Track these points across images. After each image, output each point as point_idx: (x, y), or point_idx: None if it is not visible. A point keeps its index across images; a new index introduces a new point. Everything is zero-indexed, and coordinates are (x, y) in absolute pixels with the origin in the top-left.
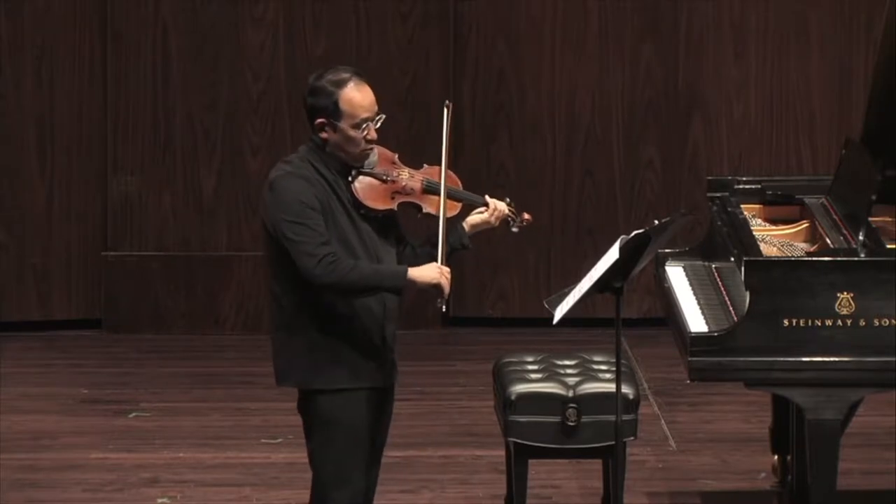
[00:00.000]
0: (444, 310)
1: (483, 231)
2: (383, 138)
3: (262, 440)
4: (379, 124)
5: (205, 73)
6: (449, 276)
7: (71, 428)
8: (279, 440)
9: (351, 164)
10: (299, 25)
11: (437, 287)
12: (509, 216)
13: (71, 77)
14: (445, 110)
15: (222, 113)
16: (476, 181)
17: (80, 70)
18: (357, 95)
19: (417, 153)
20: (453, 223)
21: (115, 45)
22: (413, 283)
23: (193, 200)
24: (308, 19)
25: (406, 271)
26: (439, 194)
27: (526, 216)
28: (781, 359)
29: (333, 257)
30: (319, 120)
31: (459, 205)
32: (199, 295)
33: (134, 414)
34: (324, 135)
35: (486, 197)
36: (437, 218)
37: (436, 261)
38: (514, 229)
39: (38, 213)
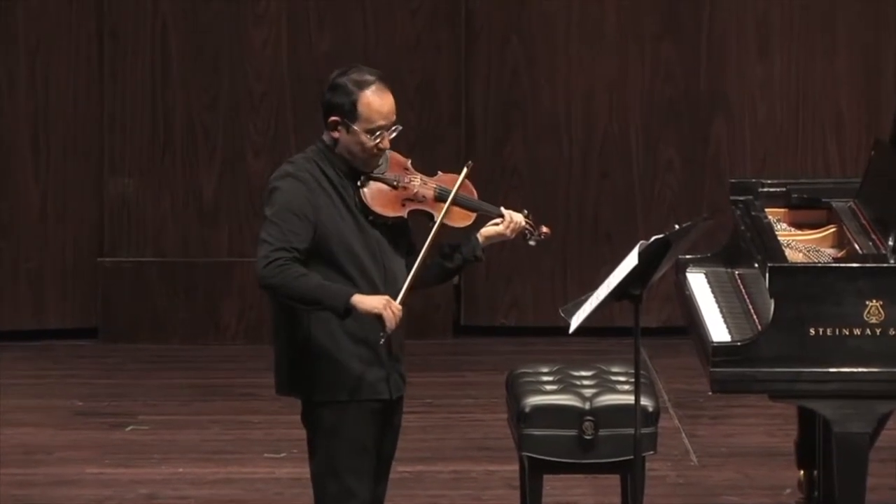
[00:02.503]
0: (381, 342)
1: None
2: (392, 140)
3: (266, 454)
4: (394, 135)
5: (205, 71)
6: (398, 311)
7: (66, 442)
8: (283, 454)
9: (358, 169)
10: (303, 22)
11: (378, 318)
12: (526, 229)
13: (66, 76)
14: (465, 168)
15: (223, 113)
16: (488, 184)
17: (75, 68)
18: (377, 100)
19: (426, 156)
20: (467, 234)
21: (113, 42)
22: (354, 309)
23: (193, 204)
24: (312, 15)
25: (351, 294)
26: (453, 203)
27: (544, 229)
28: (807, 369)
29: (285, 262)
30: (333, 118)
31: (473, 215)
32: (200, 302)
33: (131, 427)
34: (335, 134)
35: (502, 208)
36: (453, 227)
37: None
38: (532, 243)
39: (31, 217)
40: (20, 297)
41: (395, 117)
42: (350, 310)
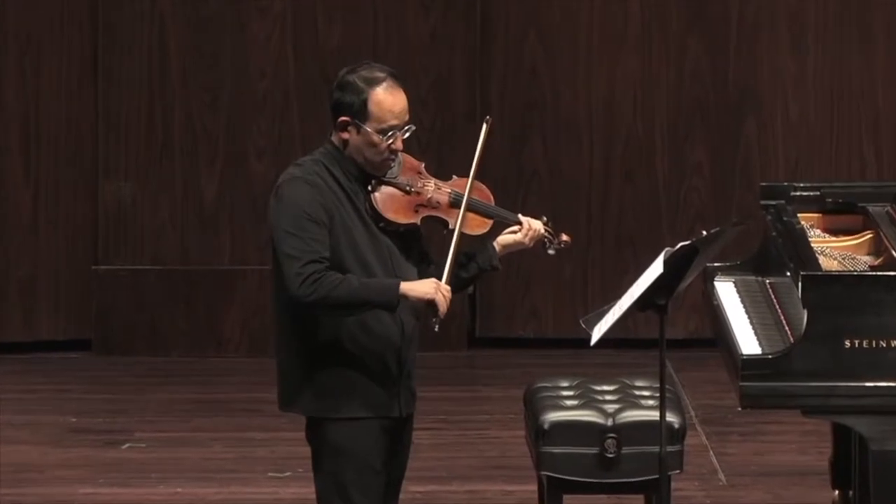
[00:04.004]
0: (436, 329)
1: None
2: (404, 140)
3: (270, 473)
4: (407, 135)
5: (205, 68)
6: (448, 294)
7: (58, 460)
8: (288, 473)
9: (369, 173)
10: (310, 16)
11: (430, 304)
12: (546, 237)
13: (58, 72)
14: (485, 125)
15: (225, 113)
16: (506, 188)
17: (68, 66)
18: (389, 98)
19: (439, 158)
20: (483, 242)
21: (108, 38)
22: (405, 299)
23: (193, 208)
24: (320, 10)
25: (398, 285)
26: (469, 209)
27: (564, 238)
28: (843, 384)
29: (319, 274)
30: (343, 118)
31: (490, 222)
32: (200, 313)
33: (128, 445)
34: (345, 135)
35: (520, 215)
36: (466, 235)
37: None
38: (551, 251)
39: (22, 223)
40: (10, 307)
41: (408, 116)
42: (399, 301)
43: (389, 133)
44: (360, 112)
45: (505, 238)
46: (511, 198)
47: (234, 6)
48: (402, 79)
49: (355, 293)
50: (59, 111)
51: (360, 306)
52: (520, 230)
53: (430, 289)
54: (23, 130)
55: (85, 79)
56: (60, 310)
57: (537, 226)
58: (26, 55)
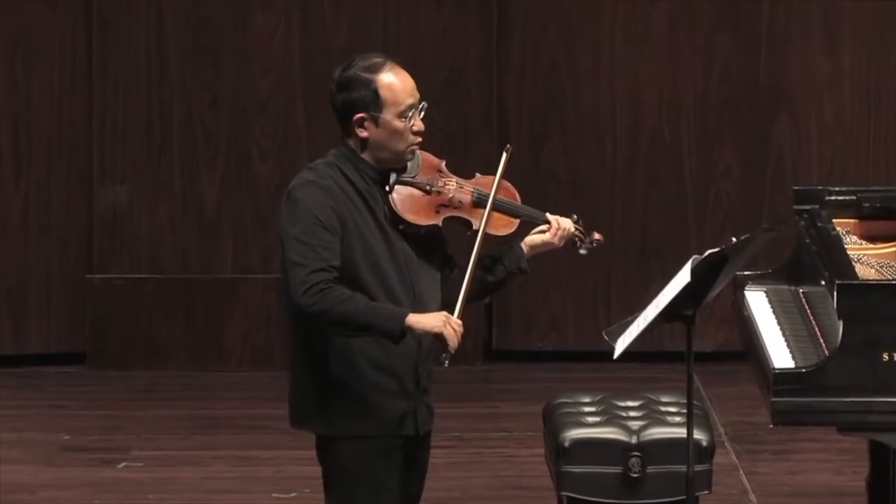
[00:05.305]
0: (445, 365)
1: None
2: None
3: (274, 494)
4: (423, 113)
5: (206, 66)
6: (459, 328)
7: (51, 480)
8: (293, 494)
9: (393, 167)
10: (317, 10)
11: (438, 338)
12: (576, 236)
13: (51, 72)
14: (504, 154)
15: (226, 113)
16: (523, 191)
17: (61, 63)
18: (397, 80)
19: (454, 160)
20: (509, 243)
21: (103, 34)
22: (411, 330)
23: (193, 214)
24: (327, 3)
25: (405, 315)
26: (494, 208)
27: (597, 236)
28: (880, 399)
29: (325, 285)
30: (358, 115)
31: (517, 222)
32: (201, 324)
33: (124, 464)
34: (363, 133)
35: (548, 214)
36: (491, 236)
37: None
38: (583, 251)
39: (12, 229)
40: None
41: (419, 94)
42: (405, 332)
43: (409, 114)
44: (374, 103)
45: (533, 238)
46: (529, 201)
47: (237, 1)
48: (415, 77)
49: (360, 314)
50: (51, 111)
51: (361, 328)
52: (548, 229)
53: (438, 322)
54: (13, 132)
55: (79, 77)
56: (53, 321)
57: (567, 224)
58: (16, 52)
